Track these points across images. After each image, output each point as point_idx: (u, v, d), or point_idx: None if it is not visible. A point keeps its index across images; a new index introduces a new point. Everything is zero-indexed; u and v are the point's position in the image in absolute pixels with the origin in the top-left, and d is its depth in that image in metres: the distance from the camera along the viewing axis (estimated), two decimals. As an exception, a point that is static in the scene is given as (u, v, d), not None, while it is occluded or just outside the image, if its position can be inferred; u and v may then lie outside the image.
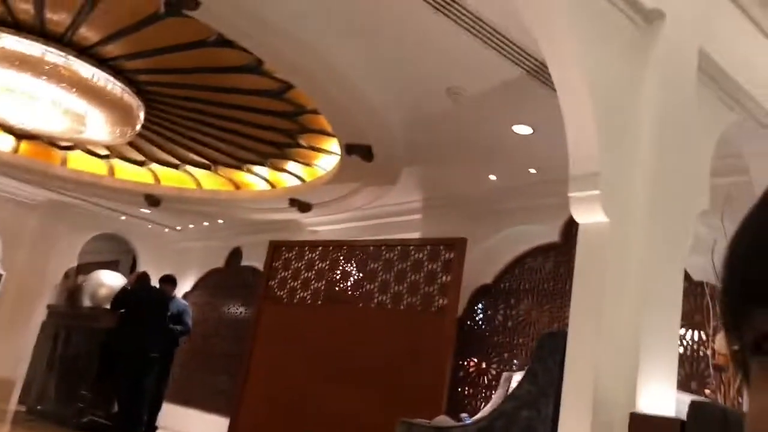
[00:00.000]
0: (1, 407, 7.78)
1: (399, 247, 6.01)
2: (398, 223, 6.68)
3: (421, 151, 5.45)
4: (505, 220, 5.86)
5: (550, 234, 5.55)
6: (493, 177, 5.67)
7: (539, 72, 3.80)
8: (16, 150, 7.59)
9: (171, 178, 7.83)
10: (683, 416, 2.41)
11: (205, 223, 9.17)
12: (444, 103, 4.50)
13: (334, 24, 3.98)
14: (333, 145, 5.85)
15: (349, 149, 5.37)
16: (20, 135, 7.22)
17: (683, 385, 3.77)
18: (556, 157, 3.29)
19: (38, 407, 7.38)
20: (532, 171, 5.35)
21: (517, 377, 3.84)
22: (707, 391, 3.99)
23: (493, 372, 5.62)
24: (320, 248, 6.53)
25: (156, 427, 7.26)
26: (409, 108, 4.77)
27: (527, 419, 3.12)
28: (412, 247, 5.93)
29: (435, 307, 5.57)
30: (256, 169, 7.15)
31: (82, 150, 7.58)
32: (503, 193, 5.81)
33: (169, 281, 7.44)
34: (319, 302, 6.33)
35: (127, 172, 7.90)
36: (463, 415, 4.67)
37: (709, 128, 3.21)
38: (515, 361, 5.53)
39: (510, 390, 3.80)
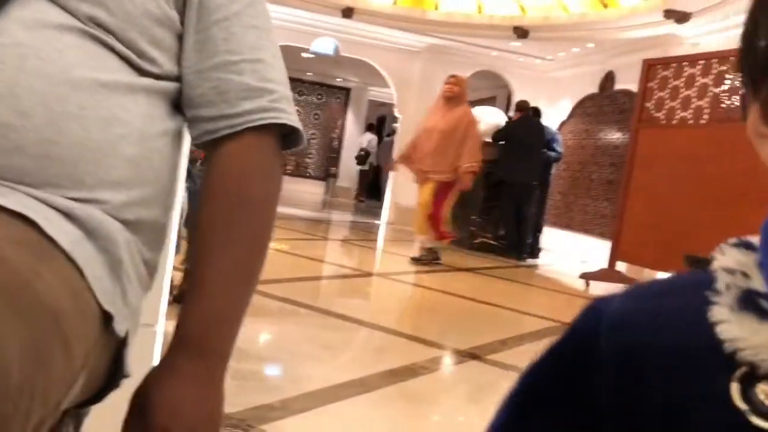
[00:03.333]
0: (408, 231, 9.16)
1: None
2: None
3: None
4: None
5: None
6: None
7: None
8: (395, 2, 8.29)
9: (537, 6, 7.72)
10: None
11: (576, 49, 8.91)
12: None
13: None
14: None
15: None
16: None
17: None
18: None
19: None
20: None
21: None
22: None
23: None
24: (702, 62, 5.85)
25: (540, 249, 7.81)
26: None
27: None
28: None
29: None
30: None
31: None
32: None
33: (536, 113, 7.71)
34: (703, 122, 5.78)
35: (494, 6, 8.04)
36: None
37: None
38: None
39: None
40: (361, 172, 14.71)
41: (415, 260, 5.84)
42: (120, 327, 0.68)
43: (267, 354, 2.73)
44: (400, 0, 8.28)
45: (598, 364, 0.36)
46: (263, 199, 0.76)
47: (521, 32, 8.03)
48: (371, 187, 14.87)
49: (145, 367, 0.72)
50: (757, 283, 0.34)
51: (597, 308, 0.39)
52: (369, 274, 5.56)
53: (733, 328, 0.33)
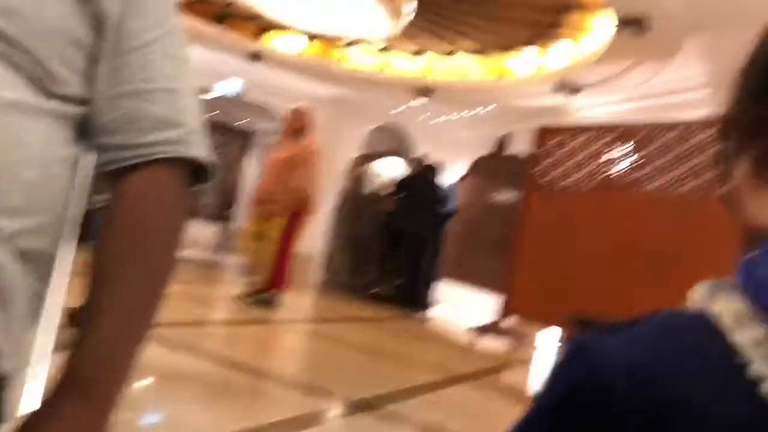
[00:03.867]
0: (306, 278, 9.09)
1: (678, 129, 5.51)
2: (676, 103, 6.09)
3: (708, 17, 4.82)
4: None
5: None
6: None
7: None
8: (304, 51, 8.38)
9: (441, 68, 8.04)
10: None
11: (475, 111, 9.31)
12: (736, -43, 3.89)
13: None
14: (603, 21, 5.45)
15: (621, 22, 4.96)
16: (311, 35, 7.93)
17: None
18: None
19: (334, 279, 8.48)
20: None
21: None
22: None
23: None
24: (590, 132, 6.26)
25: (433, 301, 7.95)
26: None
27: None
28: (695, 128, 5.40)
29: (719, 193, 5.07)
30: (524, 52, 6.99)
31: (359, 46, 8.11)
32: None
33: (436, 168, 8.00)
34: (589, 188, 6.15)
35: (400, 66, 8.29)
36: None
37: None
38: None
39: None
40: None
41: (244, 298, 5.41)
42: (4, 363, 0.62)
43: (148, 402, 2.58)
44: (308, 49, 8.38)
45: (618, 419, 0.34)
46: (166, 235, 0.73)
47: (425, 91, 8.32)
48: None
49: (28, 409, 0.66)
50: None
51: (589, 353, 0.36)
52: (263, 322, 5.42)
53: None
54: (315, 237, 9.55)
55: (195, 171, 0.76)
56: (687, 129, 5.44)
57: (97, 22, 0.72)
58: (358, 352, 4.52)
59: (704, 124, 5.35)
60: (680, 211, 5.28)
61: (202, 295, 6.07)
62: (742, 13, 4.64)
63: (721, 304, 0.37)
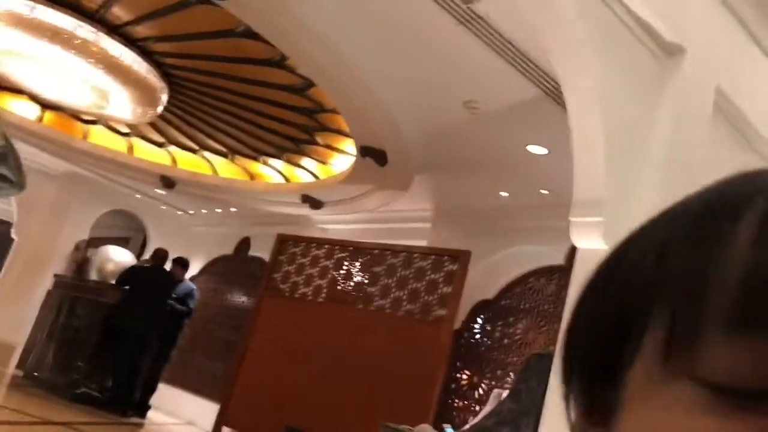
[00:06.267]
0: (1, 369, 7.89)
1: (404, 254, 6.03)
2: (405, 229, 6.71)
3: (435, 161, 5.47)
4: (512, 237, 5.86)
5: (556, 256, 5.54)
6: (504, 194, 5.68)
7: (558, 94, 3.81)
8: (40, 119, 7.71)
9: (188, 162, 7.91)
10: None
11: (218, 210, 9.25)
12: (460, 115, 4.52)
13: (361, 31, 4.02)
14: (349, 146, 5.89)
15: (363, 152, 5.41)
16: (45, 105, 7.33)
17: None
18: (568, 180, 3.29)
19: (35, 374, 7.48)
20: (544, 192, 5.35)
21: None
22: None
23: (485, 387, 5.62)
24: (327, 246, 6.57)
25: (148, 407, 7.35)
26: (425, 118, 4.80)
27: (508, 437, 3.14)
28: (416, 255, 5.95)
29: (433, 317, 5.59)
30: (272, 162, 7.21)
31: (104, 126, 7.69)
32: (513, 211, 5.81)
33: (180, 264, 7.58)
34: (320, 300, 6.37)
35: (145, 152, 8.00)
36: (446, 425, 4.68)
37: (720, 168, 3.20)
38: (508, 378, 5.53)
39: (496, 407, 3.81)
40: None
41: None
42: None
43: None
44: (46, 118, 7.73)
45: None
46: None
47: (168, 182, 8.08)
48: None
49: None
50: None
51: None
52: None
53: None
54: (16, 324, 8.44)
55: None
56: (409, 256, 5.98)
57: None
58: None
59: (424, 254, 5.93)
60: (396, 331, 5.68)
61: None
62: (460, 160, 5.37)
63: None
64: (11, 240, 9.29)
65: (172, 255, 7.91)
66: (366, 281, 6.21)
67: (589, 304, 0.33)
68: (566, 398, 0.34)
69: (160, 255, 7.47)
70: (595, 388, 0.32)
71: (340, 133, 5.79)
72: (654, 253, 0.31)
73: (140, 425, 6.69)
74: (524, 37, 3.46)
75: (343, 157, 6.33)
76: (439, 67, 4.08)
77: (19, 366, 7.96)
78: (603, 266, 0.34)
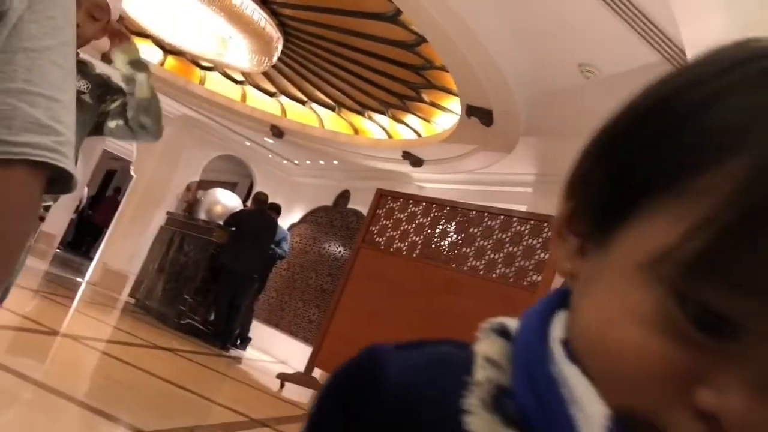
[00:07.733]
0: (113, 296, 8.54)
1: (502, 217, 5.99)
2: (505, 193, 6.65)
3: (543, 124, 5.37)
4: (616, 209, 5.68)
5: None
6: (611, 163, 5.51)
7: (678, 60, 3.64)
8: (162, 63, 8.11)
9: (297, 113, 8.13)
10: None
11: (321, 162, 9.48)
12: (574, 79, 4.41)
13: (477, -17, 3.97)
14: (454, 104, 5.87)
15: (470, 111, 5.38)
16: (168, 50, 7.70)
17: None
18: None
19: (145, 302, 8.04)
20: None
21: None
22: None
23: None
24: (424, 204, 6.61)
25: (246, 342, 7.78)
26: (537, 78, 4.71)
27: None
28: (515, 219, 5.90)
29: (528, 282, 5.56)
30: (377, 117, 7.29)
31: (220, 72, 8.00)
32: (619, 182, 5.63)
33: (274, 209, 7.91)
34: (415, 255, 6.45)
35: (257, 101, 8.28)
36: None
37: None
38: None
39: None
40: (72, 221, 13.78)
41: None
42: None
43: None
44: (168, 62, 8.13)
45: (375, 401, 0.39)
46: (13, 238, 0.71)
47: (277, 131, 8.35)
48: (76, 238, 14.74)
49: None
50: (508, 379, 0.37)
51: (375, 354, 0.42)
52: (54, 332, 5.01)
53: (478, 423, 0.35)
54: (129, 255, 9.08)
55: (52, 181, 0.75)
56: (508, 219, 5.93)
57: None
58: (158, 381, 4.31)
59: (523, 218, 5.87)
60: (488, 292, 5.69)
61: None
62: (569, 126, 5.24)
63: (486, 343, 0.41)
64: (131, 177, 9.93)
65: (276, 201, 8.23)
66: (461, 241, 6.23)
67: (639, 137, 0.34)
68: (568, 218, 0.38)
69: (262, 199, 7.77)
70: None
71: (446, 91, 5.77)
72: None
73: (238, 359, 7.09)
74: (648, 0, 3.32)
75: (447, 116, 6.31)
76: (555, 28, 3.98)
77: (131, 294, 8.57)
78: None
